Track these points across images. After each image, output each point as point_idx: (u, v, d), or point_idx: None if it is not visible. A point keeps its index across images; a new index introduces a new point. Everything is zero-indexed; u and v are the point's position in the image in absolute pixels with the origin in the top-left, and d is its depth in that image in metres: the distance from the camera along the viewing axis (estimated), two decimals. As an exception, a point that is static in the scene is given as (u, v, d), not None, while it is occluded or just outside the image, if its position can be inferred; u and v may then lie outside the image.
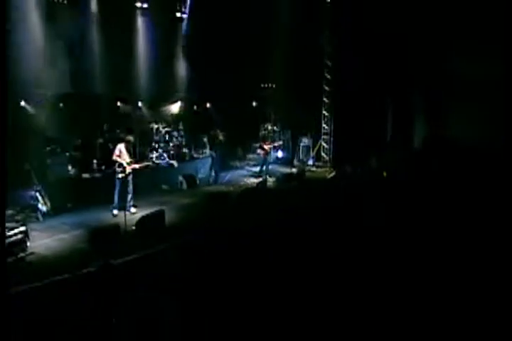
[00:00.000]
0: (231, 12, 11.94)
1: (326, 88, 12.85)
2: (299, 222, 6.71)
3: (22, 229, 5.41)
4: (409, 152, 12.51)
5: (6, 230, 5.43)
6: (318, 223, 6.65)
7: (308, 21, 11.88)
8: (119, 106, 11.48)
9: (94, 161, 9.07)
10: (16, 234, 5.25)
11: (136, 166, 7.58)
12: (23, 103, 9.36)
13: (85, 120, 10.03)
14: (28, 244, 5.55)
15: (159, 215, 6.83)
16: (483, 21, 10.58)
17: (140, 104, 11.98)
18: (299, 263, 5.20)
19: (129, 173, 7.47)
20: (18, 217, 6.46)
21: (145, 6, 10.75)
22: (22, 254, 5.27)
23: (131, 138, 7.57)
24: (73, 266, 5.04)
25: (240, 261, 5.22)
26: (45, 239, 6.02)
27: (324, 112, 13.12)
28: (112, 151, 7.78)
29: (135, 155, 7.78)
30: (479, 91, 10.84)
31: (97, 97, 10.82)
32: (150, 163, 7.95)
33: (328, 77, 12.71)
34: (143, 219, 6.57)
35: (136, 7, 10.79)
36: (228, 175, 11.40)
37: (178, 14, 11.94)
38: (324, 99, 13.00)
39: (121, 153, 7.41)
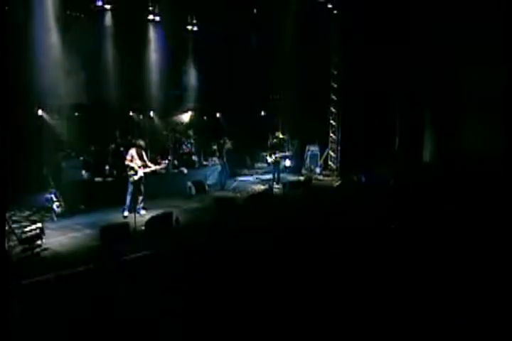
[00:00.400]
0: (241, 25, 12.41)
1: (334, 97, 13.13)
2: (300, 226, 6.89)
3: (38, 225, 5.73)
4: (417, 162, 12.63)
5: (23, 227, 5.77)
6: (320, 226, 6.80)
7: (315, 32, 12.24)
8: (131, 116, 11.93)
9: (107, 167, 9.48)
10: (32, 230, 5.56)
11: (147, 170, 7.90)
12: (40, 112, 9.84)
13: (99, 128, 10.50)
14: (44, 240, 5.86)
15: (167, 216, 7.10)
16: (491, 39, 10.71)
17: (152, 113, 12.42)
18: (296, 263, 5.28)
19: (141, 177, 7.79)
20: (34, 218, 6.79)
21: (157, 19, 11.22)
22: (37, 249, 5.57)
23: (142, 142, 7.92)
24: (83, 261, 5.33)
25: (239, 261, 5.37)
26: (58, 237, 6.33)
27: (332, 122, 13.38)
28: (123, 156, 8.18)
29: (146, 160, 8.09)
30: (487, 102, 10.96)
31: (110, 107, 11.29)
32: (162, 166, 8.23)
33: (335, 86, 13.00)
34: (152, 219, 6.85)
35: (149, 20, 11.27)
36: (236, 182, 11.68)
37: (189, 27, 12.37)
38: (331, 108, 13.28)
39: (133, 158, 7.75)
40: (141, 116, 12.10)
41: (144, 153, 7.93)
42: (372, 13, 11.50)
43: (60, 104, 10.08)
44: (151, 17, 11.24)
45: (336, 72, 12.98)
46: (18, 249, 5.38)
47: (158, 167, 8.06)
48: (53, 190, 7.67)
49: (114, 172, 9.20)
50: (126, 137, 10.26)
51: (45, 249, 5.68)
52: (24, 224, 6.33)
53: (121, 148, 9.50)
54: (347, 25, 12.38)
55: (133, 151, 7.80)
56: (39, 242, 5.62)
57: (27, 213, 7.25)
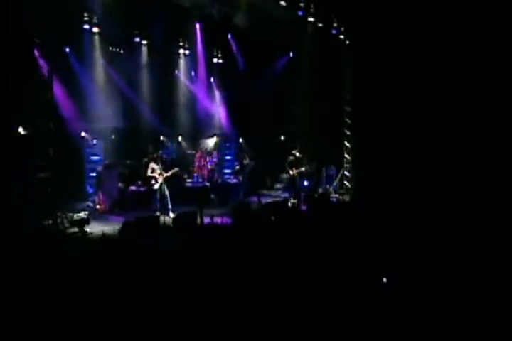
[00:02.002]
0: (260, 60, 13.79)
1: (347, 120, 14.16)
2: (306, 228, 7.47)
3: (85, 213, 6.85)
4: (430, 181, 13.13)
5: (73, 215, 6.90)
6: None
7: (329, 60, 13.45)
8: (162, 140, 13.25)
9: (139, 182, 10.70)
10: (80, 217, 6.67)
11: (165, 175, 9.09)
12: (83, 134, 11.27)
13: (133, 148, 11.86)
14: (89, 227, 6.94)
15: (192, 215, 8.09)
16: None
17: (180, 138, 13.75)
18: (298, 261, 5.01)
19: (162, 183, 9.01)
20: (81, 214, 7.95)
21: (187, 52, 12.76)
22: (84, 232, 6.64)
23: (156, 156, 9.22)
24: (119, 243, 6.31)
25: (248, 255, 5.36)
26: (99, 227, 7.38)
27: (346, 143, 14.34)
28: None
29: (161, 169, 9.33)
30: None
31: (142, 131, 12.70)
32: (177, 169, 9.45)
33: (348, 109, 14.05)
34: (178, 216, 7.86)
35: (180, 54, 12.82)
36: (256, 198, 12.61)
37: (215, 59, 13.86)
38: (346, 131, 14.28)
39: (153, 170, 9.05)
40: (169, 142, 13.41)
41: (160, 164, 9.20)
42: (384, 43, 12.45)
43: (100, 127, 11.57)
44: (181, 51, 12.80)
45: (349, 97, 14.04)
46: (70, 229, 6.47)
47: (171, 172, 9.27)
48: (96, 194, 8.91)
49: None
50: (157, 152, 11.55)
51: (91, 233, 6.73)
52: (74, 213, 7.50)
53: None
54: (359, 56, 13.50)
55: (151, 164, 9.12)
56: (85, 227, 6.69)
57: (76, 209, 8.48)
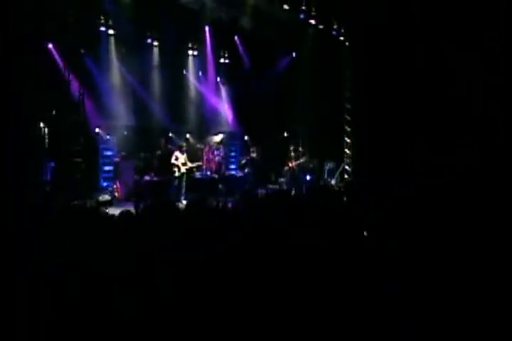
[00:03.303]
0: (264, 61, 14.52)
1: (347, 117, 14.87)
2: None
3: (108, 197, 7.59)
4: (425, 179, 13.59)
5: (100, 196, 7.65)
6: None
7: (330, 60, 14.14)
8: (170, 137, 13.98)
9: (152, 173, 11.43)
10: (105, 198, 7.41)
11: (187, 166, 9.81)
12: (97, 130, 12.00)
13: (144, 143, 12.60)
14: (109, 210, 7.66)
15: (202, 200, 8.81)
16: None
17: (188, 135, 14.48)
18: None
19: (183, 173, 9.72)
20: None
21: (195, 53, 13.53)
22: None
23: (184, 144, 9.90)
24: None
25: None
26: (118, 211, 8.08)
27: (346, 139, 15.06)
28: (168, 160, 10.18)
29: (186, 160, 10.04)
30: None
31: (153, 128, 13.43)
32: (200, 163, 10.13)
33: (348, 107, 14.77)
34: (191, 200, 8.56)
35: (189, 55, 13.59)
36: (262, 190, 13.33)
37: (222, 60, 14.60)
38: (346, 127, 14.99)
39: (177, 158, 9.73)
40: (177, 139, 14.13)
41: (185, 154, 9.88)
42: (384, 43, 13.01)
43: (113, 124, 12.31)
44: (190, 52, 13.57)
45: (348, 94, 14.74)
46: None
47: (195, 164, 9.96)
48: (114, 183, 9.67)
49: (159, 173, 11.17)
50: (168, 146, 12.29)
51: (113, 215, 7.44)
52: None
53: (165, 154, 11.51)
54: (358, 56, 14.16)
55: (177, 153, 9.78)
56: (109, 209, 7.43)
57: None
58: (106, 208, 7.27)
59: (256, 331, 2.95)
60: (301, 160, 12.86)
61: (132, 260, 3.68)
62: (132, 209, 5.43)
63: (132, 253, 3.86)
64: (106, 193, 9.35)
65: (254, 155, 12.88)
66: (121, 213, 5.36)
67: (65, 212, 6.25)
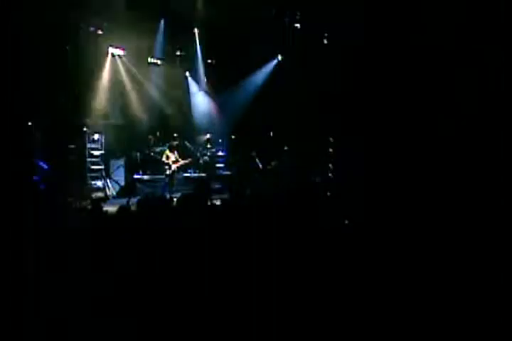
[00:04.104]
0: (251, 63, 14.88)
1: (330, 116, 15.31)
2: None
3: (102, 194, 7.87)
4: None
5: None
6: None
7: (313, 63, 14.54)
8: (159, 137, 14.24)
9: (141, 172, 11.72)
10: (98, 196, 7.69)
11: (178, 164, 10.19)
12: (84, 129, 12.13)
13: (132, 143, 12.82)
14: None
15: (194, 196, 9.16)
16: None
17: (175, 134, 14.74)
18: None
19: (173, 171, 10.07)
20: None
21: (184, 53, 13.89)
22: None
23: (174, 143, 10.24)
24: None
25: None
26: (110, 208, 8.37)
27: (330, 138, 15.51)
28: (156, 158, 10.57)
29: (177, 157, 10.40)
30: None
31: (140, 128, 13.63)
32: (191, 160, 10.50)
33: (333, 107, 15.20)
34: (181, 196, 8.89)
35: (177, 55, 13.94)
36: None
37: (210, 60, 14.94)
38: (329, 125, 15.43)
39: (168, 157, 10.10)
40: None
41: (176, 152, 10.24)
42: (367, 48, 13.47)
43: (100, 123, 12.47)
44: (178, 53, 13.90)
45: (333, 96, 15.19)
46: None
47: (186, 161, 10.31)
48: (106, 181, 9.97)
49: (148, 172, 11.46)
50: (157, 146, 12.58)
51: (106, 211, 7.73)
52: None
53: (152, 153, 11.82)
54: (342, 59, 14.57)
55: (167, 152, 10.16)
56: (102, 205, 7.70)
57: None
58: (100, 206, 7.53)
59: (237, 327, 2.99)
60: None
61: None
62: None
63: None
64: (97, 191, 9.62)
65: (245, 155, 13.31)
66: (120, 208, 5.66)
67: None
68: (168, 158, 10.24)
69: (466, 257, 3.67)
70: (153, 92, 13.90)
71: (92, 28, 11.60)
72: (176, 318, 3.09)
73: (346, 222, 4.77)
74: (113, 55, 12.63)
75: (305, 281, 3.38)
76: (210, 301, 3.17)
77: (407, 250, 3.89)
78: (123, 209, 6.05)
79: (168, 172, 10.09)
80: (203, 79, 15.31)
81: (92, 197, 7.96)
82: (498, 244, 3.78)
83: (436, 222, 4.77)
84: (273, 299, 3.13)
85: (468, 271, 3.42)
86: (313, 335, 2.92)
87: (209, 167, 13.72)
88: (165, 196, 8.57)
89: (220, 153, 15.67)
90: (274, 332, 2.92)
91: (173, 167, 10.11)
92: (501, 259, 3.50)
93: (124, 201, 9.24)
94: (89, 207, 7.57)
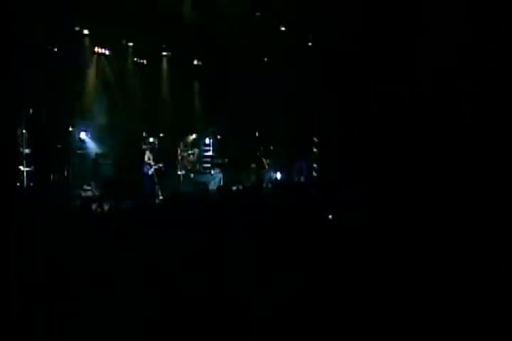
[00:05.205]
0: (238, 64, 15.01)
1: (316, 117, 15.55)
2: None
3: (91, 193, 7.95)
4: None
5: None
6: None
7: (298, 65, 14.74)
8: (145, 137, 14.27)
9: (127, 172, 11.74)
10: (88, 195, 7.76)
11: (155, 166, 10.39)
12: (71, 128, 12.13)
13: (120, 142, 12.84)
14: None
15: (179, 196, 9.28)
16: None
17: (161, 134, 14.80)
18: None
19: (153, 171, 10.27)
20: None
21: (169, 54, 13.95)
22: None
23: (155, 143, 10.44)
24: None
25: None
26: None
27: (314, 138, 15.76)
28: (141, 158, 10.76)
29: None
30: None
31: (127, 128, 13.66)
32: (161, 165, 10.74)
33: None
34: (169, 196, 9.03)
35: (162, 55, 13.98)
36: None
37: (196, 62, 15.04)
38: (314, 126, 15.68)
39: (148, 157, 10.30)
40: (151, 138, 14.44)
41: (152, 154, 10.46)
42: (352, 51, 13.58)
43: (87, 123, 12.48)
44: (164, 53, 13.95)
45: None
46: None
47: (156, 166, 10.54)
48: (91, 182, 10.04)
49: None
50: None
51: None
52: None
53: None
54: (326, 61, 14.76)
55: (147, 153, 10.39)
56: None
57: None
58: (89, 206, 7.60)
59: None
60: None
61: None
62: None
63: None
64: (85, 191, 9.67)
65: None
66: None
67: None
68: (148, 158, 10.54)
69: (466, 257, 3.65)
70: (140, 92, 13.93)
71: (77, 28, 11.59)
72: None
73: (330, 216, 5.03)
74: (99, 55, 12.65)
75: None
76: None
77: (395, 243, 3.97)
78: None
79: (150, 172, 10.31)
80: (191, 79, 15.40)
81: (80, 197, 8.00)
82: (498, 244, 3.76)
83: (432, 219, 4.74)
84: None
85: (468, 270, 3.40)
86: (308, 328, 2.95)
87: (195, 167, 13.82)
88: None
89: (207, 153, 15.83)
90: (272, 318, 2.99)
91: (153, 168, 10.39)
92: (501, 259, 3.48)
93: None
94: (78, 205, 7.68)
